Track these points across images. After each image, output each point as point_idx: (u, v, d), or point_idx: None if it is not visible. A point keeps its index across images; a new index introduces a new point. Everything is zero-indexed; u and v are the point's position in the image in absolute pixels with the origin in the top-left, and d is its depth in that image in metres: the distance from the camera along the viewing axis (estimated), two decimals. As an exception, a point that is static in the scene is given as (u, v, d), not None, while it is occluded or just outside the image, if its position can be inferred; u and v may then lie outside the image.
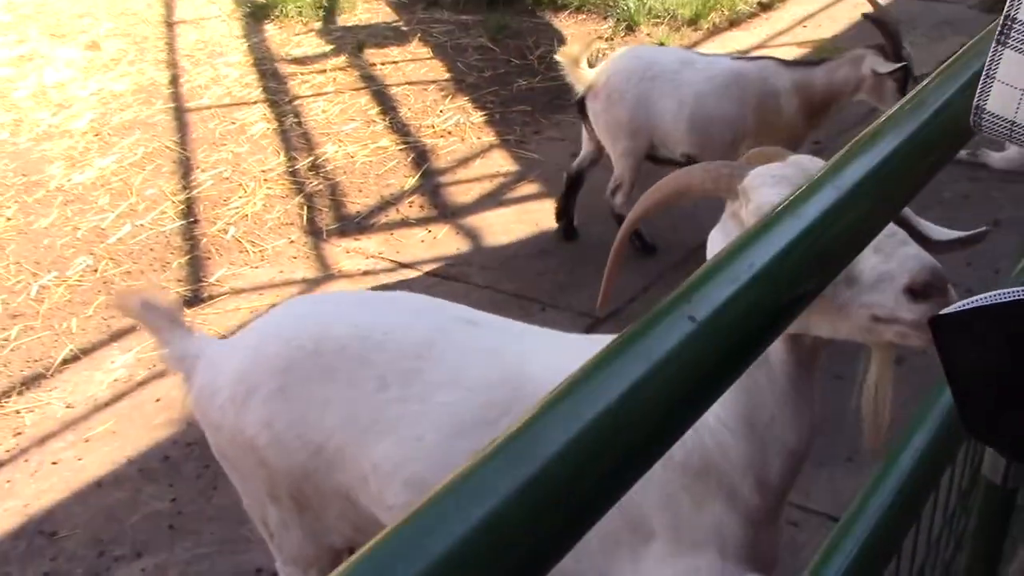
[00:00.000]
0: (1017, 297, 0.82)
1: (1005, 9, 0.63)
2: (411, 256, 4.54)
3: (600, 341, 1.80)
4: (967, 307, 0.84)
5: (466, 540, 0.49)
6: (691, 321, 0.63)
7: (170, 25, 7.38)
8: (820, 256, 0.73)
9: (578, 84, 4.22)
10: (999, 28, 0.64)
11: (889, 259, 1.49)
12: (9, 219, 4.90)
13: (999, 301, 0.82)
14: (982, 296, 0.83)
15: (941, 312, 0.88)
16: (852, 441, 3.15)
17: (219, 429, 2.15)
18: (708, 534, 1.78)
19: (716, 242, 1.75)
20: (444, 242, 4.66)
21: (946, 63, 0.97)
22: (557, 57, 4.35)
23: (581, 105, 4.27)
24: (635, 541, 1.81)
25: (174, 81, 6.43)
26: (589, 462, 0.56)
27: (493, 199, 5.02)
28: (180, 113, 6.00)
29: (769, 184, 1.59)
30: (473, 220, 4.83)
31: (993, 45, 0.64)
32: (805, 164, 1.66)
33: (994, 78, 0.64)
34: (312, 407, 2.00)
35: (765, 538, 1.85)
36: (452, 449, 1.87)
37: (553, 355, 1.90)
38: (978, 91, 0.66)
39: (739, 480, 1.76)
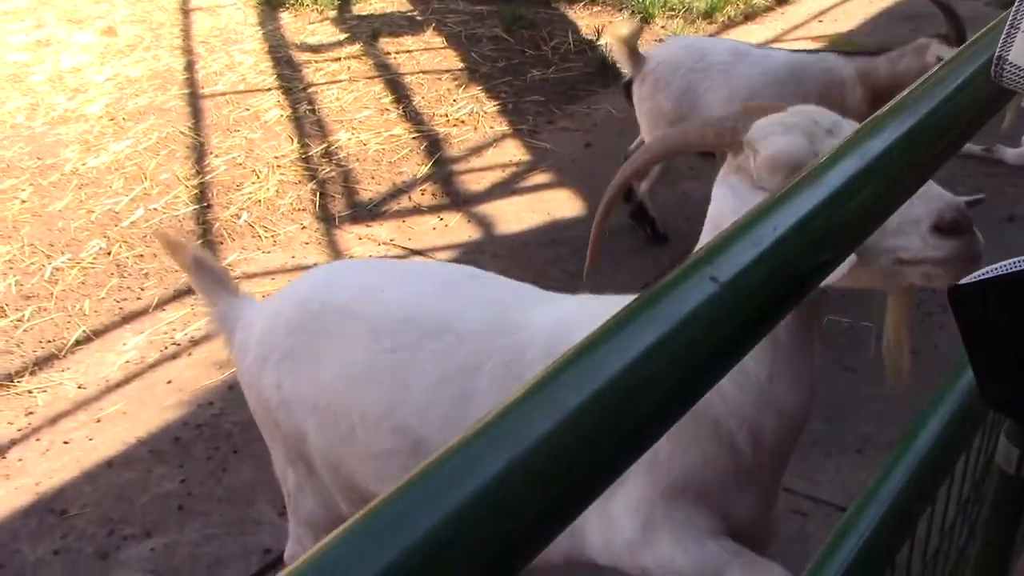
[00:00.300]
0: None
1: None
2: (423, 243, 4.54)
3: (607, 302, 1.79)
4: (986, 276, 0.84)
5: (490, 486, 0.49)
6: (713, 282, 0.63)
7: (186, 12, 7.39)
8: (843, 224, 0.73)
9: (626, 67, 4.16)
10: None
11: (912, 202, 1.44)
12: (24, 202, 4.92)
13: (1018, 268, 0.81)
14: (1000, 264, 0.83)
15: (959, 282, 0.88)
16: (861, 432, 3.15)
17: (248, 388, 2.21)
18: (689, 478, 1.74)
19: (722, 198, 1.70)
20: (456, 230, 4.66)
21: (969, 41, 0.96)
22: (607, 38, 4.26)
23: (628, 88, 4.23)
24: None
25: (189, 67, 6.44)
26: (606, 421, 0.56)
27: (506, 188, 5.01)
28: (194, 99, 6.01)
29: (779, 132, 1.56)
30: (485, 208, 4.83)
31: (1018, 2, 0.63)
32: (811, 113, 1.62)
33: (1019, 28, 0.63)
34: (311, 365, 2.02)
35: (754, 503, 1.80)
36: (437, 394, 1.87)
37: (550, 307, 1.89)
38: (1001, 41, 0.65)
39: (735, 428, 1.71)
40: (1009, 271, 0.82)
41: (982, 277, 0.84)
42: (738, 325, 0.64)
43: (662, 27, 6.89)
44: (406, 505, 0.47)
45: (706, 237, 1.71)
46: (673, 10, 7.05)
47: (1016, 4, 0.63)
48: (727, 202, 1.65)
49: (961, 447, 1.58)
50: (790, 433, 1.75)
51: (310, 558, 0.45)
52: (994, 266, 0.84)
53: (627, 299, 0.65)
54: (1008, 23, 0.63)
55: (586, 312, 1.82)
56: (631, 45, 4.06)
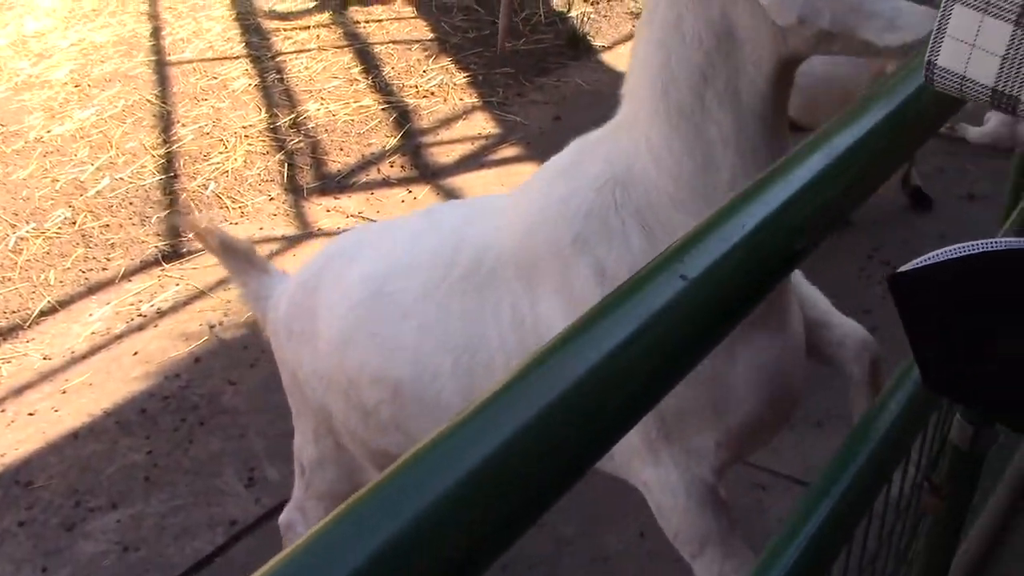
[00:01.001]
0: (974, 251, 0.84)
1: None
2: (391, 216, 4.53)
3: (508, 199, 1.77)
4: (926, 263, 0.86)
5: (458, 488, 0.50)
6: (683, 280, 0.65)
7: (151, -24, 7.28)
8: (811, 219, 0.75)
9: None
10: None
11: None
12: (-14, 169, 4.86)
13: (957, 256, 0.83)
14: (940, 251, 0.85)
15: (899, 270, 0.89)
16: (822, 406, 3.20)
17: (282, 365, 2.22)
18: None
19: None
20: (425, 202, 4.65)
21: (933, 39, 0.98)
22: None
23: None
24: None
25: (156, 34, 6.35)
26: (575, 420, 0.57)
27: (475, 161, 5.01)
28: (161, 66, 5.93)
29: None
30: (454, 181, 4.83)
31: (945, 1, 0.65)
32: None
33: (945, 32, 0.65)
34: (314, 341, 2.04)
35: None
36: (400, 333, 1.88)
37: (490, 216, 1.85)
38: (929, 46, 0.67)
39: None
40: (948, 258, 0.84)
41: (920, 265, 0.86)
42: (708, 320, 0.65)
43: (633, 0, 6.88)
44: (373, 507, 0.49)
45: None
46: (644, -17, 7.03)
47: (941, 9, 0.65)
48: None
49: (919, 426, 1.62)
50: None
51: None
52: (932, 253, 0.86)
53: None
54: (935, 28, 0.66)
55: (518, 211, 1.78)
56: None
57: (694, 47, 1.37)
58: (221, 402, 3.44)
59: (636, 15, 6.54)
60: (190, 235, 4.36)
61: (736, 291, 0.67)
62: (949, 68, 0.66)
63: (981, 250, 0.83)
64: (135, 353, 3.69)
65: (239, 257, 2.31)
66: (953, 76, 0.66)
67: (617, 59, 5.82)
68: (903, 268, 0.89)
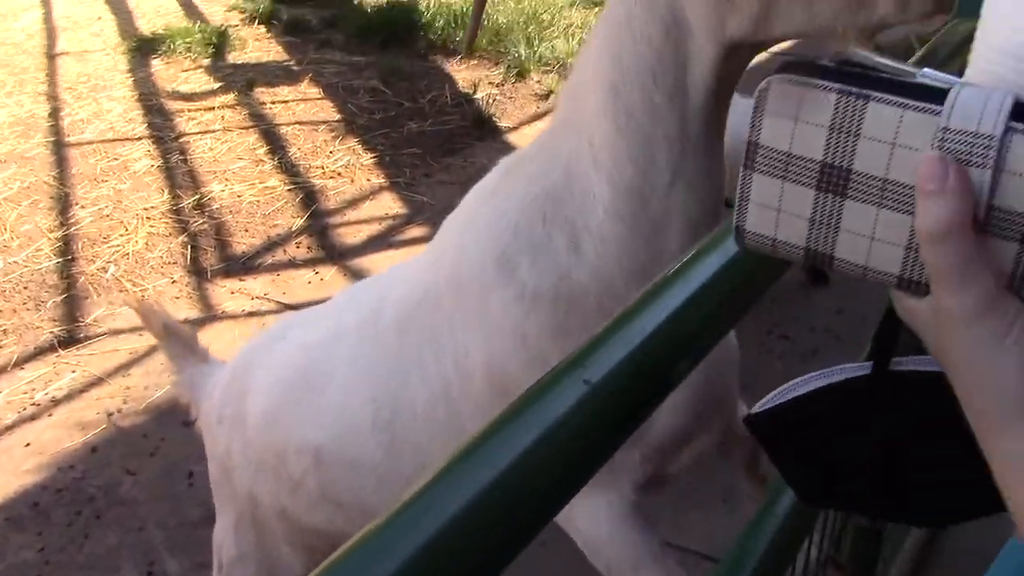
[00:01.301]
0: (808, 389, 0.89)
1: (748, 135, 0.66)
2: (298, 298, 4.48)
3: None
4: (767, 407, 0.90)
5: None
6: (586, 384, 0.65)
7: (52, 57, 7.18)
8: (709, 319, 0.77)
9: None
10: (745, 156, 0.67)
11: None
12: None
13: (796, 395, 0.88)
14: (782, 390, 0.89)
15: (752, 411, 0.94)
16: (728, 483, 3.24)
17: (211, 456, 2.16)
18: None
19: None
20: (332, 284, 4.62)
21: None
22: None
23: None
24: None
25: (54, 114, 6.24)
26: (478, 534, 0.56)
27: (382, 241, 5.01)
28: (60, 147, 5.82)
29: None
30: (362, 262, 4.81)
31: (742, 170, 0.67)
32: None
33: (748, 199, 0.67)
34: (243, 425, 2.00)
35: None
36: (323, 397, 1.85)
37: (414, 264, 1.81)
38: (735, 214, 0.69)
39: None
40: (783, 400, 0.88)
41: (766, 407, 0.91)
42: (611, 424, 0.66)
43: (537, 81, 7.03)
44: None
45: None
46: (548, 65, 7.20)
47: (741, 177, 0.67)
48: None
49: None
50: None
51: None
52: (776, 392, 0.90)
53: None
54: (739, 197, 0.67)
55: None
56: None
57: (644, 43, 1.31)
58: (119, 493, 3.32)
59: (541, 96, 6.69)
60: (88, 320, 4.25)
61: (639, 394, 0.69)
62: (759, 232, 0.68)
63: (815, 387, 0.88)
64: (27, 444, 3.55)
65: (181, 343, 2.27)
66: (765, 238, 0.68)
67: (523, 139, 5.93)
68: (754, 409, 0.94)
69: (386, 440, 1.75)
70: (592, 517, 1.61)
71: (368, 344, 1.79)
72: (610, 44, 1.35)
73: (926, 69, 0.64)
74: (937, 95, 0.60)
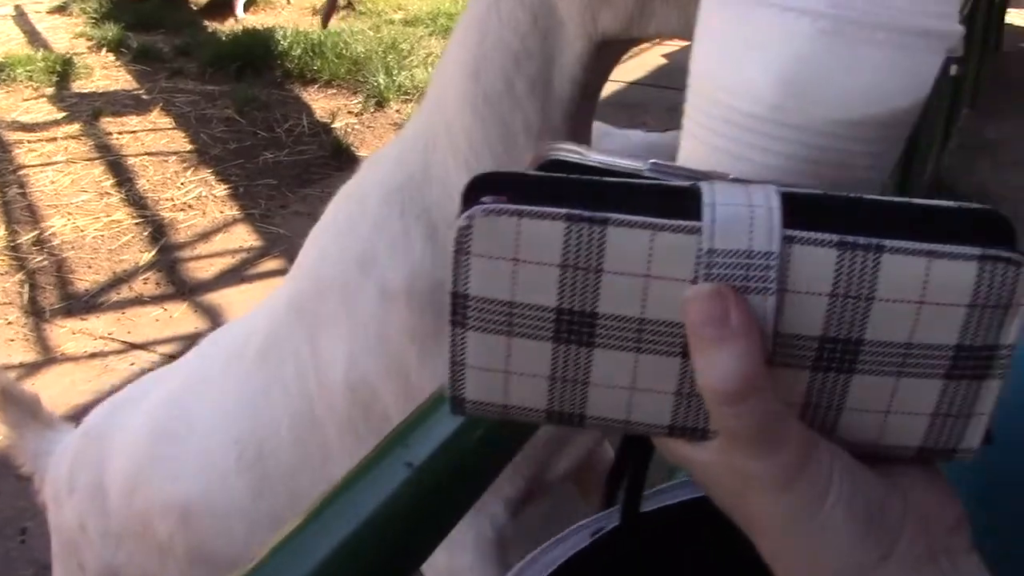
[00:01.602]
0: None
1: (450, 287, 0.53)
2: (144, 336, 4.30)
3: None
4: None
5: None
6: (408, 467, 0.60)
7: None
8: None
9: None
10: (451, 310, 0.53)
11: None
12: None
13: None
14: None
15: None
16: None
17: (56, 530, 1.97)
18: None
19: None
20: (181, 321, 4.45)
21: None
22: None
23: None
24: None
25: None
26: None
27: (235, 275, 4.86)
28: None
29: None
30: (213, 297, 4.66)
31: (451, 329, 0.53)
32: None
33: (464, 364, 0.53)
34: (108, 492, 1.85)
35: None
36: (186, 448, 1.73)
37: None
38: (449, 383, 0.54)
39: None
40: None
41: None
42: (437, 508, 0.61)
43: (396, 111, 6.99)
44: None
45: None
46: (408, 95, 7.17)
47: (450, 341, 0.53)
48: None
49: None
50: None
51: None
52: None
53: None
54: (451, 362, 0.53)
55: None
56: None
57: (510, 28, 1.23)
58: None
59: (400, 126, 6.65)
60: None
61: (465, 476, 0.63)
62: (483, 400, 0.53)
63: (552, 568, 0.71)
64: None
65: (22, 409, 2.05)
66: (492, 406, 0.54)
67: (381, 169, 5.86)
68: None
69: (255, 479, 1.61)
70: (456, 545, 1.48)
71: (232, 380, 1.66)
72: (476, 26, 1.28)
73: (653, 161, 0.52)
74: (687, 198, 0.48)
